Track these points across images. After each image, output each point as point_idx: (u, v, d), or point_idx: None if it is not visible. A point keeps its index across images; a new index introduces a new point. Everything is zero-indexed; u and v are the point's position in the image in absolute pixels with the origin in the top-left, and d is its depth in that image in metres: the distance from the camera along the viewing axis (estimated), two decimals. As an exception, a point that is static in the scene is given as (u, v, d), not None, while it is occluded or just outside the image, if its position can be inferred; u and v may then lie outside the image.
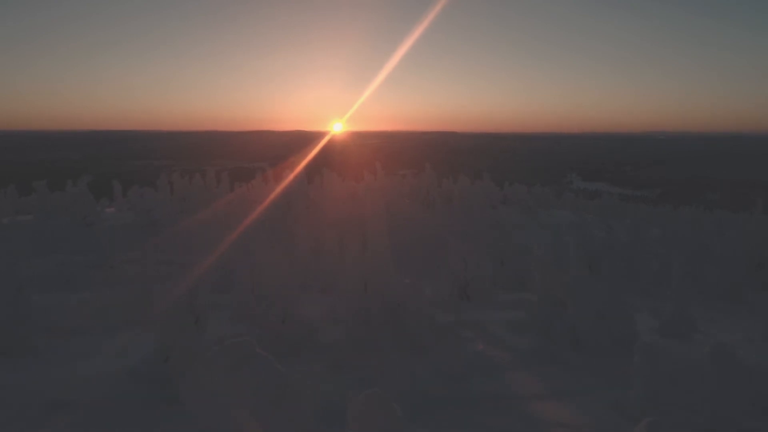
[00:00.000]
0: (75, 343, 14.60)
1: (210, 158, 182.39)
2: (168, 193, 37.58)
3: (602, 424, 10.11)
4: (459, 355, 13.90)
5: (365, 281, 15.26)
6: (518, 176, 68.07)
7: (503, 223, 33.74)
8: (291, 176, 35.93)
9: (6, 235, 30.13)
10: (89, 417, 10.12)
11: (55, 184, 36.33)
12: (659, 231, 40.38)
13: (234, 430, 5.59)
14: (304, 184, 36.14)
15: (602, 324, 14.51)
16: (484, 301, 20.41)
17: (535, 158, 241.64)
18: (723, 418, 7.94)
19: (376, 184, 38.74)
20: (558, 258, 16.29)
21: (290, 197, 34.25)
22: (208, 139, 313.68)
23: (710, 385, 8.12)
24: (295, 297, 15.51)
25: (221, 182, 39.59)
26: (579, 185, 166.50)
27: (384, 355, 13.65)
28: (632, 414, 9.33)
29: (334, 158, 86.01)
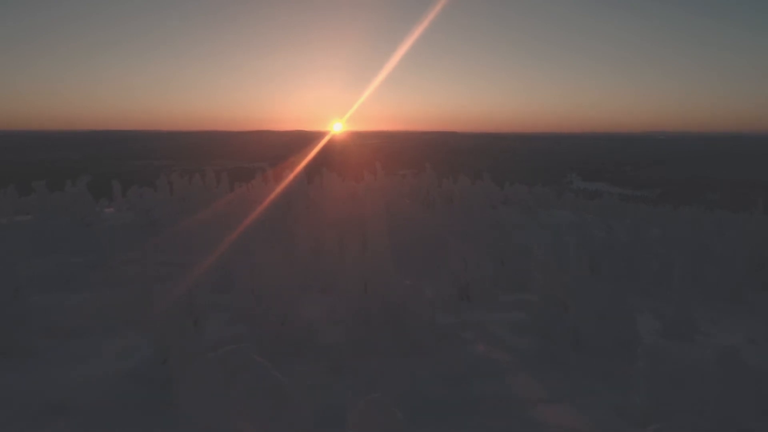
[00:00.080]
0: (74, 344, 14.54)
1: (210, 158, 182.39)
2: (167, 193, 37.48)
3: (604, 427, 10.01)
4: (460, 357, 13.82)
5: (365, 281, 15.19)
6: (518, 176, 67.98)
7: (503, 223, 33.65)
8: (291, 176, 35.83)
9: (5, 235, 30.06)
10: (87, 419, 10.05)
11: (54, 184, 36.23)
12: (659, 231, 40.33)
13: (232, 433, 5.55)
14: (303, 184, 36.05)
15: (604, 325, 14.41)
16: (485, 302, 20.34)
17: (535, 158, 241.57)
18: (728, 422, 7.87)
19: (376, 184, 38.65)
20: (558, 258, 16.21)
21: (290, 197, 34.16)
22: (207, 139, 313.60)
23: (715, 388, 8.05)
24: (295, 297, 15.43)
25: (221, 182, 39.51)
26: (579, 185, 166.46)
27: (384, 357, 13.59)
28: (635, 417, 9.25)
29: (334, 158, 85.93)
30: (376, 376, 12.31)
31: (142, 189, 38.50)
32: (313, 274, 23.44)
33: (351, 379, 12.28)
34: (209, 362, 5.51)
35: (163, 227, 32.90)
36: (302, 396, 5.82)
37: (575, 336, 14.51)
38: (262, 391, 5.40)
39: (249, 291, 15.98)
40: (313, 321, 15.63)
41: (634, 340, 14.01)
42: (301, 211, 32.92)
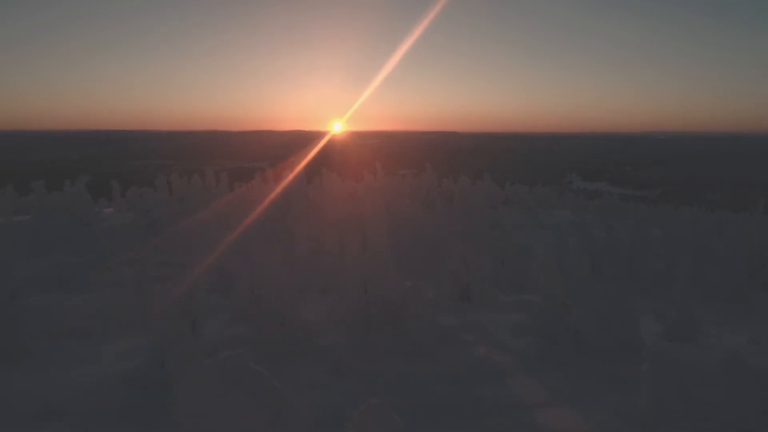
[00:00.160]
0: (71, 346, 14.43)
1: (210, 158, 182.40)
2: (167, 193, 37.38)
3: (607, 431, 9.88)
4: (460, 358, 13.71)
5: (365, 282, 15.10)
6: (518, 176, 67.92)
7: (503, 224, 33.56)
8: (291, 176, 35.73)
9: (4, 235, 29.96)
10: (83, 423, 9.94)
11: (53, 184, 36.11)
12: (660, 231, 40.26)
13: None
14: (303, 184, 35.96)
15: (606, 326, 14.28)
16: (485, 303, 20.25)
17: (535, 158, 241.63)
18: (732, 426, 7.79)
19: (376, 184, 38.55)
20: (559, 259, 16.11)
21: (290, 197, 34.07)
22: (207, 139, 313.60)
23: (720, 391, 7.95)
24: (295, 298, 15.34)
25: (220, 182, 39.41)
26: (579, 185, 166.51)
27: (384, 358, 13.49)
28: (638, 421, 9.14)
29: (334, 158, 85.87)
30: (376, 378, 12.21)
31: (141, 189, 38.40)
32: (312, 274, 23.36)
33: (351, 380, 12.18)
34: (207, 369, 5.41)
35: (162, 227, 32.82)
36: (301, 401, 5.74)
37: (577, 337, 14.39)
38: (260, 398, 5.31)
39: (248, 291, 15.88)
40: (313, 322, 15.54)
41: (637, 341, 13.90)
42: (301, 211, 32.84)
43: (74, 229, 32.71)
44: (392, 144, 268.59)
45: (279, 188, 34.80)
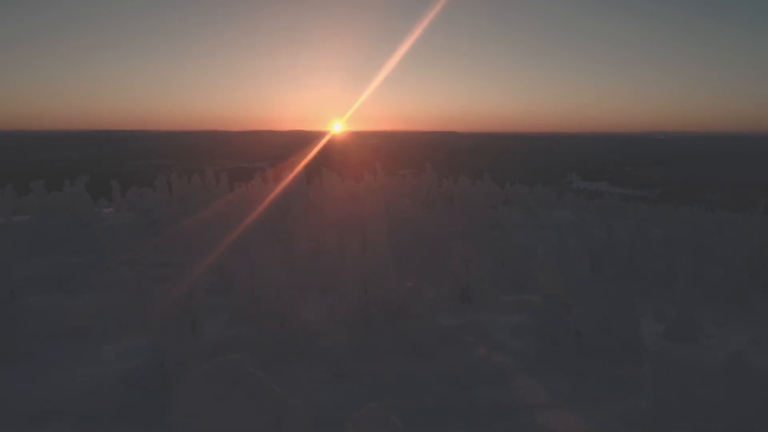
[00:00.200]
0: (70, 348, 14.38)
1: (210, 158, 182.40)
2: (167, 193, 37.35)
3: None
4: (460, 359, 13.66)
5: (365, 282, 15.06)
6: (518, 176, 67.89)
7: (503, 224, 33.54)
8: (290, 176, 35.70)
9: (3, 235, 29.92)
10: (83, 423, 9.90)
11: (52, 184, 36.06)
12: (660, 231, 40.24)
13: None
14: (303, 185, 35.93)
15: (607, 327, 14.23)
16: (485, 303, 20.22)
17: (535, 158, 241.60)
18: (734, 426, 7.77)
19: (376, 184, 38.53)
20: (559, 259, 16.08)
21: (290, 197, 34.04)
22: (207, 139, 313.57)
23: (720, 392, 7.92)
24: (295, 298, 15.31)
25: (220, 182, 39.39)
26: (579, 185, 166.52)
27: (385, 359, 13.45)
28: (639, 422, 9.10)
29: (334, 158, 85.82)
30: (376, 379, 12.17)
31: (141, 189, 38.37)
32: (312, 274, 23.34)
33: (351, 381, 12.14)
34: (206, 370, 5.38)
35: (162, 227, 32.79)
36: (301, 402, 5.70)
37: (577, 338, 14.34)
38: (259, 402, 5.27)
39: (248, 292, 15.85)
40: (313, 323, 15.51)
41: (637, 342, 13.86)
42: (301, 211, 32.81)
43: (74, 229, 32.67)
44: (392, 144, 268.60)
45: (279, 188, 34.77)
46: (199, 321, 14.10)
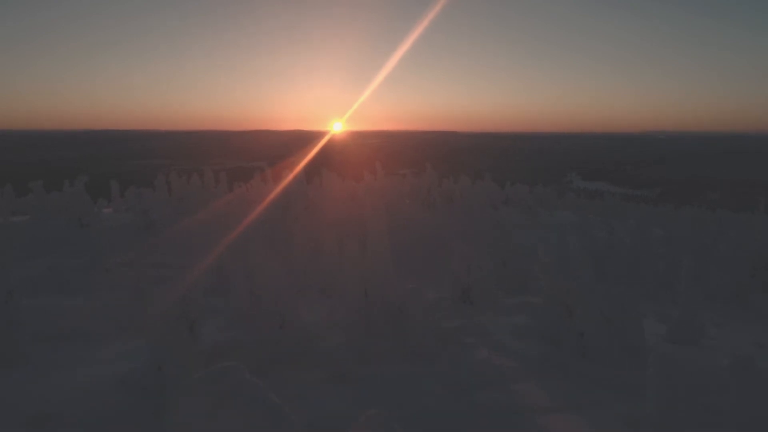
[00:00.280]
0: (66, 350, 14.26)
1: (209, 158, 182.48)
2: (166, 193, 37.24)
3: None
4: (461, 362, 13.53)
5: (365, 283, 14.95)
6: (518, 176, 67.85)
7: (504, 224, 33.42)
8: (290, 176, 35.58)
9: (2, 236, 29.80)
10: (80, 427, 9.78)
11: (52, 184, 35.96)
12: (661, 231, 40.14)
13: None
14: (303, 184, 35.81)
15: (611, 330, 14.09)
16: (487, 305, 20.09)
17: (535, 158, 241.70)
18: (736, 427, 7.66)
19: (376, 184, 38.43)
20: (561, 260, 15.96)
21: (289, 197, 33.93)
22: (207, 138, 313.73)
23: (725, 395, 7.80)
24: (294, 299, 15.19)
25: (219, 182, 39.28)
26: (579, 185, 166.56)
27: (384, 361, 13.34)
28: (642, 425, 8.98)
29: (334, 158, 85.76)
30: (376, 382, 12.05)
31: (140, 189, 38.26)
32: (312, 275, 23.24)
33: (350, 383, 12.02)
34: (201, 381, 5.27)
35: (161, 228, 32.69)
36: (300, 405, 5.59)
37: (582, 342, 14.20)
38: (256, 410, 5.16)
39: (247, 293, 15.74)
40: (312, 325, 15.40)
41: (643, 346, 13.72)
42: (301, 211, 32.68)
43: (73, 229, 32.56)
44: (392, 144, 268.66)
45: (278, 188, 34.66)
46: (197, 322, 13.98)
